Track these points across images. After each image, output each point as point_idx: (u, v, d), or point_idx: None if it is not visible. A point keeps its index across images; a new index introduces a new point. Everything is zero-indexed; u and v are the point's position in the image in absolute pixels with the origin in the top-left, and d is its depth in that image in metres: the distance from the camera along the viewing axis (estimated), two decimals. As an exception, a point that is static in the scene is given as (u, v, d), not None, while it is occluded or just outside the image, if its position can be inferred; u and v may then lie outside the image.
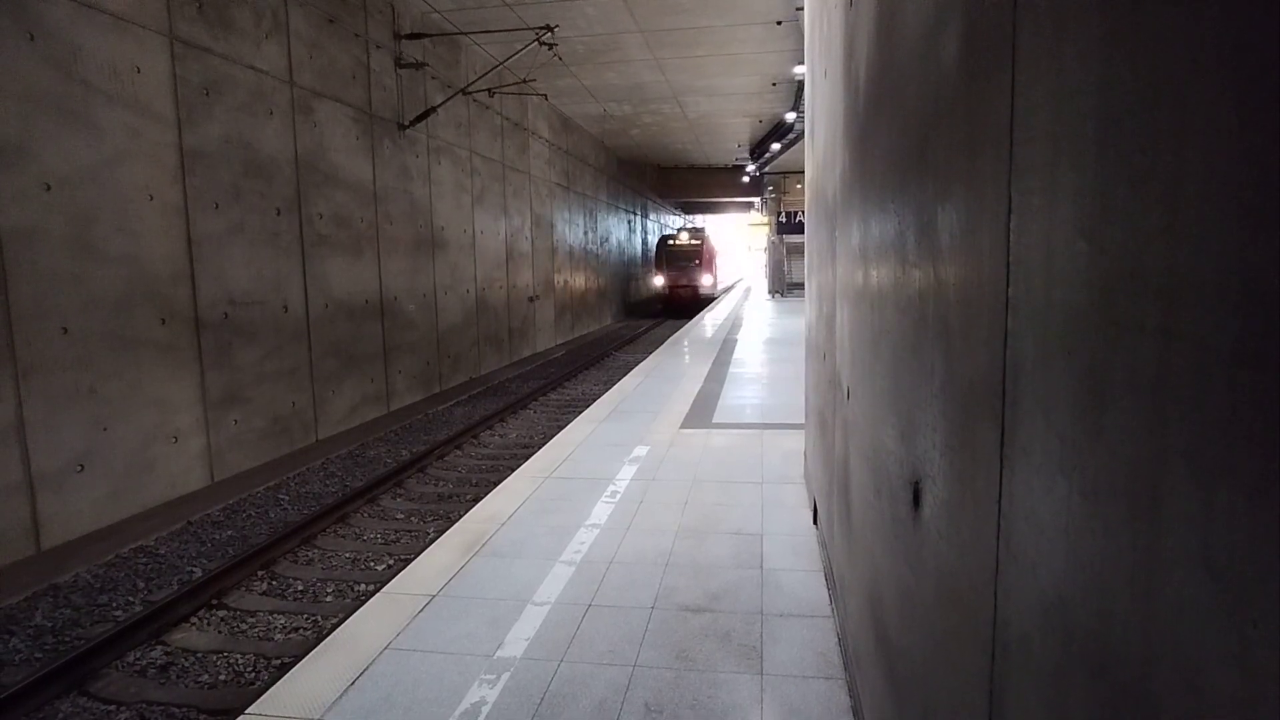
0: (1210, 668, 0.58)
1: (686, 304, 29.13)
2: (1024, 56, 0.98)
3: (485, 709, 2.84)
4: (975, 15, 1.18)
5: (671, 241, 30.61)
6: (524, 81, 13.80)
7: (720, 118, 21.58)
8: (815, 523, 4.49)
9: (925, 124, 1.55)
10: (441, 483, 7.82)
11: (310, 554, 5.96)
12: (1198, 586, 0.59)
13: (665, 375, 10.77)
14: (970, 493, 1.22)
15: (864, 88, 2.37)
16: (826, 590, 3.70)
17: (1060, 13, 0.88)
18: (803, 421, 5.95)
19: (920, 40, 1.57)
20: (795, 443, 6.50)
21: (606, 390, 10.77)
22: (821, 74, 3.82)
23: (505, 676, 3.04)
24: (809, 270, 4.99)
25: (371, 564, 5.77)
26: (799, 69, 14.43)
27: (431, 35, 11.76)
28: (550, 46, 12.02)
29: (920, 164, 1.59)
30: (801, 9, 11.06)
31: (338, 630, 3.45)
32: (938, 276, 1.44)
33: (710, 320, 20.50)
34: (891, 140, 1.92)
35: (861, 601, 2.47)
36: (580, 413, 9.09)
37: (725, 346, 14.18)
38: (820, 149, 4.00)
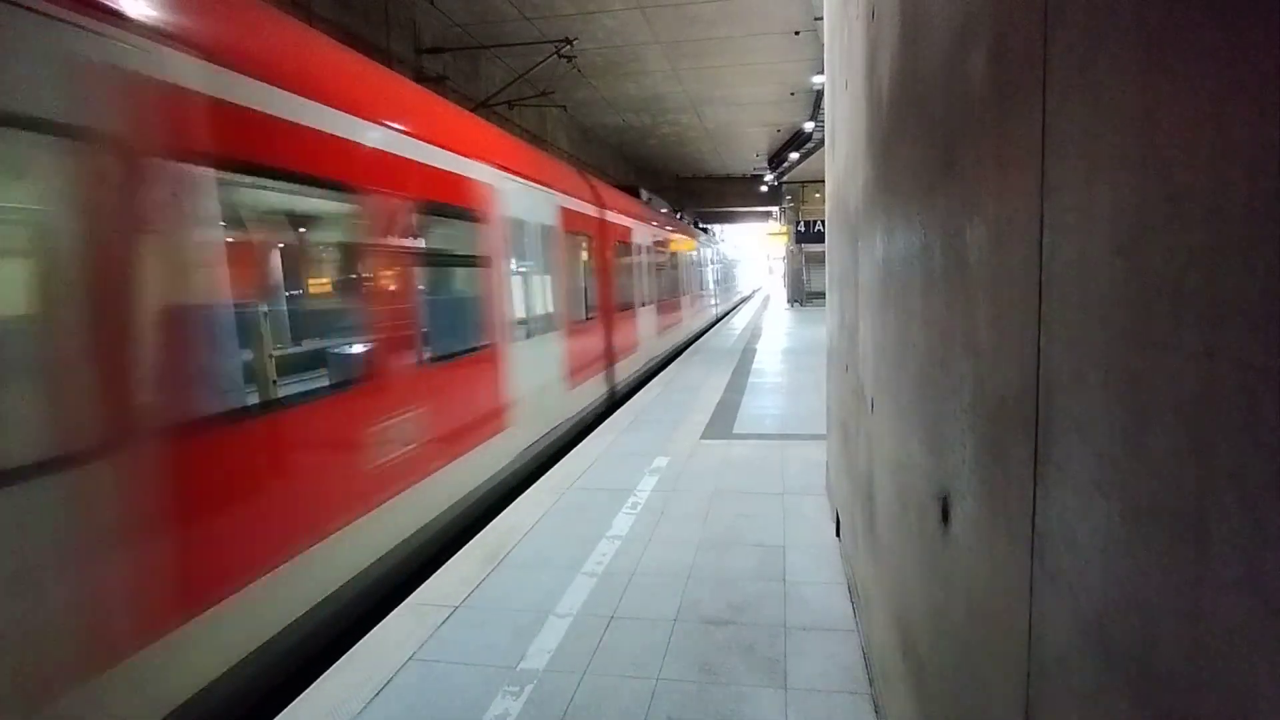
0: (1262, 695, 0.57)
1: None
2: (1056, 72, 0.97)
3: (509, 721, 2.84)
4: (1004, 31, 1.18)
5: None
6: (543, 94, 13.92)
7: (738, 127, 21.61)
8: (838, 535, 4.46)
9: (952, 138, 1.54)
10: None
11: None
12: (1247, 612, 0.59)
13: (685, 385, 10.76)
14: (1002, 509, 1.21)
15: (887, 100, 2.36)
16: (850, 603, 3.67)
17: (1094, 30, 0.88)
18: (823, 432, 5.91)
19: (946, 54, 1.56)
20: (816, 453, 6.46)
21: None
22: (842, 85, 3.82)
23: (529, 689, 3.04)
24: (830, 281, 4.97)
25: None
26: (818, 78, 14.43)
27: (452, 49, 11.91)
28: (569, 59, 12.12)
29: (947, 178, 1.59)
30: (820, 19, 11.08)
31: (362, 641, 3.48)
32: (966, 291, 1.44)
33: (729, 331, 20.47)
34: (916, 153, 1.91)
35: (887, 616, 2.45)
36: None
37: (745, 356, 14.15)
38: (841, 160, 4.00)
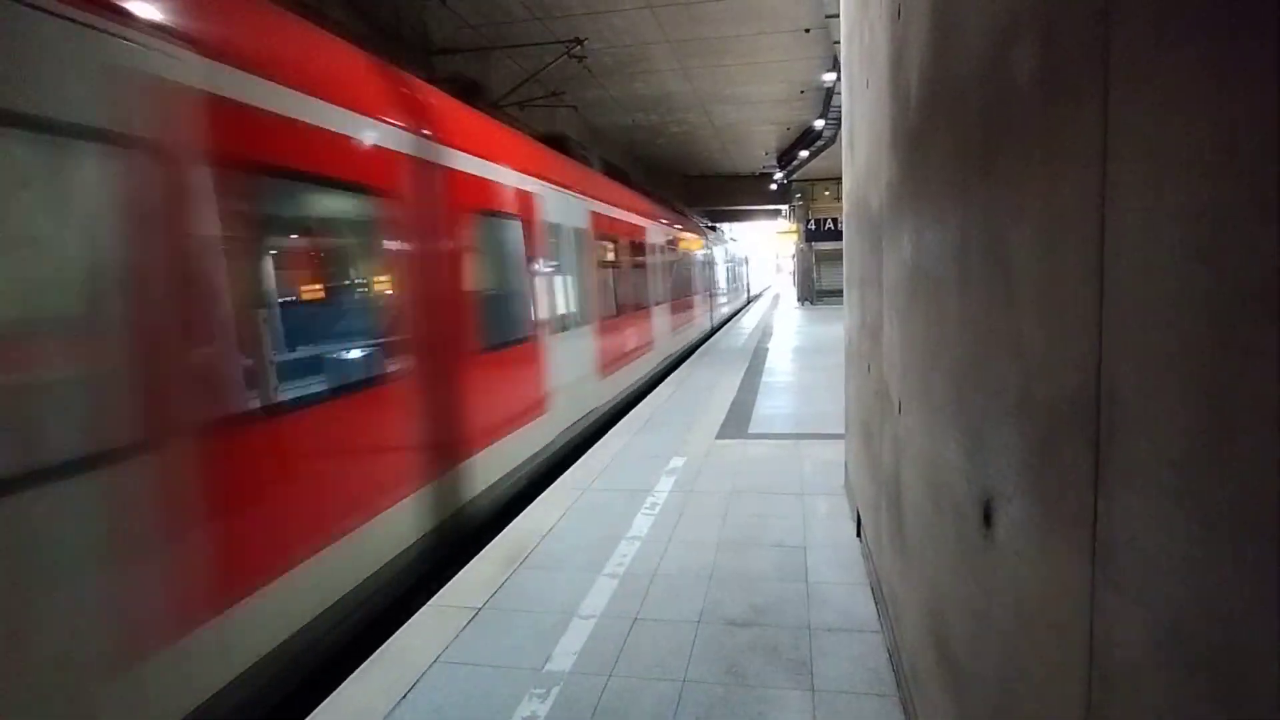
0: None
1: None
2: (1119, 71, 0.96)
3: (536, 724, 2.84)
4: (1057, 28, 1.16)
5: None
6: (553, 94, 13.92)
7: (748, 126, 21.56)
8: (859, 535, 4.43)
9: (992, 138, 1.52)
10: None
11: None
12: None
13: (698, 385, 10.74)
14: (1057, 515, 1.19)
15: (916, 99, 2.34)
16: (874, 604, 3.65)
17: (1160, 27, 0.86)
18: (840, 431, 5.88)
19: (986, 52, 1.55)
20: (833, 453, 6.43)
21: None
22: (862, 85, 3.80)
23: (555, 691, 3.04)
24: (849, 280, 4.95)
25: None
26: (828, 76, 14.38)
27: (463, 50, 11.93)
28: (579, 59, 12.12)
29: (986, 179, 1.57)
30: (831, 17, 11.01)
31: (387, 643, 3.48)
32: (1009, 292, 1.42)
33: (741, 330, 20.43)
34: (950, 153, 1.89)
35: (919, 619, 2.43)
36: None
37: (757, 355, 14.11)
38: (862, 160, 3.97)
